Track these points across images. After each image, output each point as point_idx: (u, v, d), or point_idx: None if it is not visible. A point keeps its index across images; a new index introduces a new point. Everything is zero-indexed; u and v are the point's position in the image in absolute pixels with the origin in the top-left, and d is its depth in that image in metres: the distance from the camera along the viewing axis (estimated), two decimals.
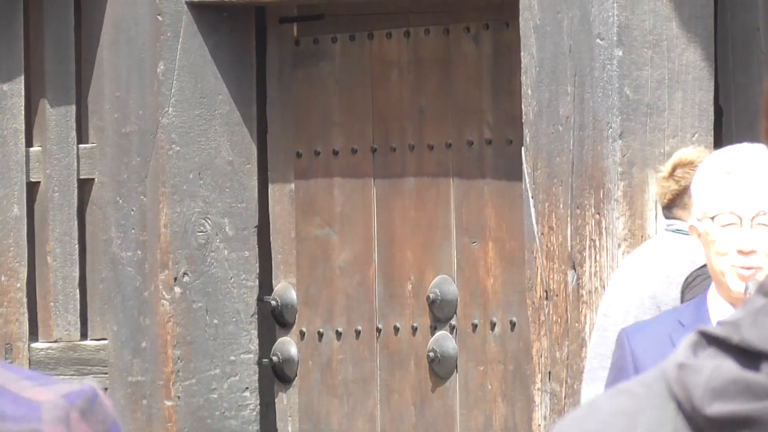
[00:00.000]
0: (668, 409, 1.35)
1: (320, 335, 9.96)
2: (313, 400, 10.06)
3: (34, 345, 9.86)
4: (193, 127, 9.93)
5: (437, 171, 9.67)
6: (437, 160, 9.67)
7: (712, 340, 1.31)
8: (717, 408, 1.28)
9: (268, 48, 10.14)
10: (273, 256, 10.10)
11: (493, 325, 9.43)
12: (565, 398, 8.48)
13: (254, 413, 10.02)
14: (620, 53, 8.83)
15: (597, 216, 8.64)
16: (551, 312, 8.89)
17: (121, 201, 10.00)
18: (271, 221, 10.07)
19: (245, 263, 10.04)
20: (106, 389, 9.82)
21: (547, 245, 8.94)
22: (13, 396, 1.83)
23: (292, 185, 10.08)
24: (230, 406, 9.97)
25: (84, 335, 9.98)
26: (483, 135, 9.45)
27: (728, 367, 1.30)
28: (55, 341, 9.95)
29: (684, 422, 1.32)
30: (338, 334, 9.90)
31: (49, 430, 1.80)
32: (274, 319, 10.06)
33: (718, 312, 5.29)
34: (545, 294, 8.97)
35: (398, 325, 9.70)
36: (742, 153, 5.50)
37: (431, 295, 9.46)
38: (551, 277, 8.90)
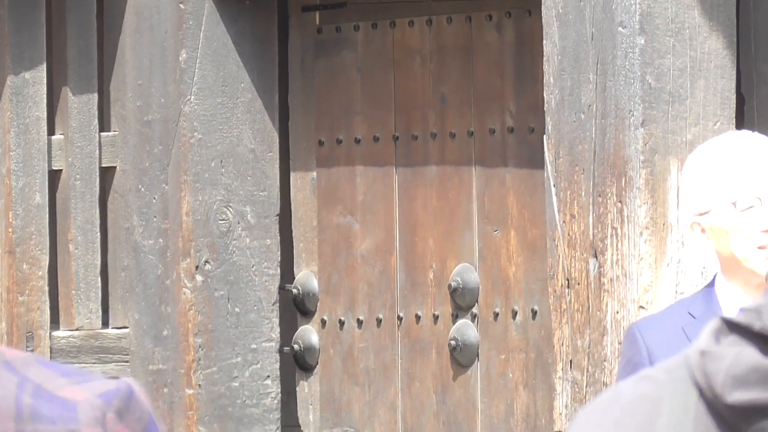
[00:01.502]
0: (690, 396, 1.39)
1: (341, 323, 9.92)
2: (335, 388, 9.99)
3: (56, 333, 9.85)
4: (215, 115, 9.92)
5: (459, 159, 9.60)
6: (459, 148, 9.59)
7: (733, 327, 1.34)
8: (738, 396, 1.32)
9: (290, 36, 10.10)
10: (294, 244, 10.08)
11: (514, 314, 9.38)
12: (586, 387, 8.35)
13: (275, 401, 9.99)
14: (642, 41, 8.80)
15: (619, 204, 8.53)
16: (573, 300, 8.76)
17: (143, 189, 9.95)
18: (292, 209, 10.04)
19: (267, 251, 10.01)
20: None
21: (568, 233, 8.83)
22: (49, 395, 1.85)
23: (314, 173, 10.05)
24: (251, 394, 9.95)
25: (105, 323, 9.96)
26: (505, 123, 9.40)
27: (749, 355, 1.34)
28: (77, 329, 9.90)
29: (705, 409, 1.36)
30: (359, 323, 9.84)
31: (86, 430, 1.84)
32: (295, 308, 10.01)
33: (728, 300, 5.32)
34: (567, 282, 8.84)
35: (419, 313, 9.64)
36: (739, 138, 5.62)
37: (453, 284, 9.39)
38: (573, 265, 8.77)
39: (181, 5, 9.76)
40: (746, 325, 1.36)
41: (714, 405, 1.38)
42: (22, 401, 1.86)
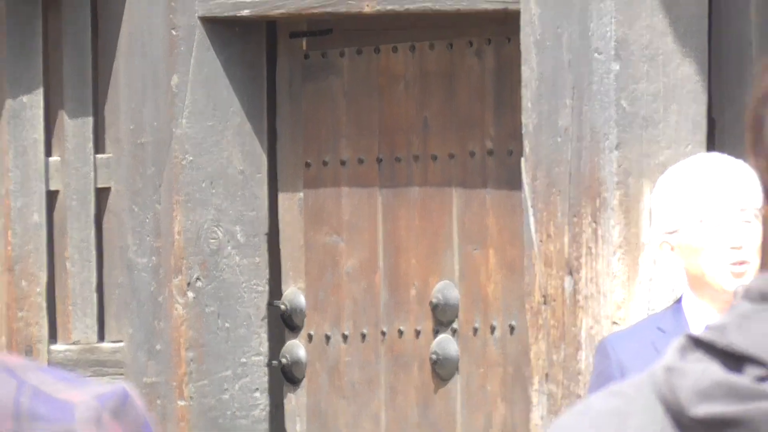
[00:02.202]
0: (657, 411, 1.41)
1: (327, 338, 9.99)
2: (321, 400, 10.06)
3: (54, 347, 9.95)
4: (205, 138, 10.01)
5: (441, 181, 9.67)
6: (441, 170, 9.67)
7: (699, 344, 1.38)
8: (703, 409, 1.34)
9: (278, 61, 10.16)
10: (282, 262, 10.13)
11: (493, 329, 9.46)
12: (561, 399, 8.55)
13: (264, 413, 10.04)
14: (617, 67, 8.91)
15: (594, 224, 8.69)
16: (549, 316, 8.93)
17: (136, 209, 10.02)
18: (280, 229, 10.10)
19: (256, 269, 10.04)
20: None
21: (545, 252, 8.99)
22: (47, 397, 1.90)
23: (301, 194, 10.09)
24: (241, 406, 10.00)
25: (101, 338, 10.07)
26: (485, 146, 9.47)
27: (714, 371, 1.36)
28: (74, 343, 10.01)
29: (672, 423, 1.38)
30: (345, 338, 9.92)
31: (82, 430, 1.86)
32: (283, 323, 10.10)
33: (696, 317, 5.54)
34: (543, 299, 8.99)
35: (402, 328, 9.69)
36: (707, 160, 5.86)
37: (434, 300, 9.50)
38: (549, 282, 8.93)
39: (173, 31, 9.85)
40: (711, 342, 1.41)
41: (679, 419, 1.42)
42: (21, 402, 1.91)
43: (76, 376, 2.18)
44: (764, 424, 1.35)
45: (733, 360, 1.35)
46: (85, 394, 1.89)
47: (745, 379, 1.33)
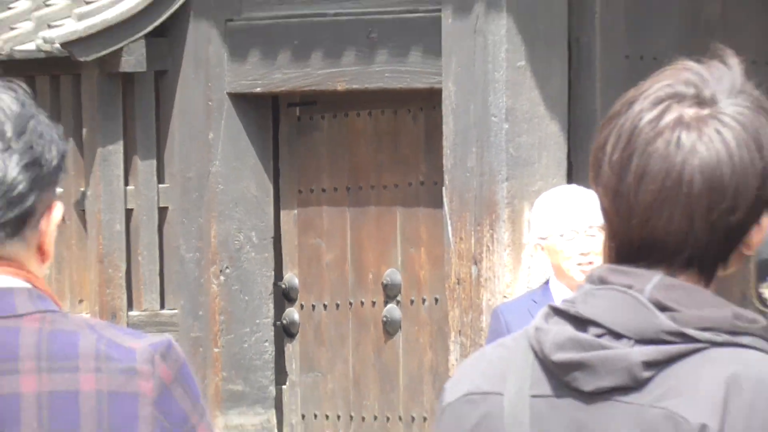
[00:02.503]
0: (529, 357, 1.48)
1: (313, 307, 10.27)
2: (308, 349, 10.34)
3: (130, 313, 10.25)
4: (231, 174, 10.23)
5: (389, 203, 9.95)
6: (389, 196, 9.94)
7: (557, 312, 1.44)
8: (559, 356, 1.42)
9: (280, 122, 10.40)
10: (283, 256, 10.39)
11: (424, 301, 9.77)
12: (469, 347, 8.77)
13: (271, 357, 10.32)
14: (507, 126, 9.17)
15: (491, 231, 9.00)
16: (461, 292, 9.23)
17: (185, 221, 10.32)
18: (282, 234, 10.37)
19: (265, 261, 10.32)
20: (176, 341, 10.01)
21: (458, 250, 9.30)
22: (118, 345, 1.89)
23: (296, 211, 10.33)
24: (256, 352, 10.28)
25: (162, 307, 10.35)
26: (418, 179, 9.76)
27: (567, 330, 1.43)
28: (143, 311, 10.31)
29: (539, 365, 1.47)
30: (324, 307, 10.20)
31: (141, 367, 1.88)
32: (283, 297, 10.37)
33: (558, 294, 5.62)
34: (457, 281, 9.30)
35: (363, 300, 10.02)
36: (566, 190, 6.07)
37: (384, 281, 9.84)
38: (461, 270, 9.21)
39: (209, 102, 10.15)
40: (565, 310, 1.46)
41: (544, 362, 1.49)
42: (100, 349, 1.89)
43: (137, 332, 2.20)
44: (599, 365, 1.45)
45: (580, 323, 1.42)
46: (142, 343, 1.91)
47: (588, 335, 1.42)
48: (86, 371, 1.90)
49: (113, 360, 1.90)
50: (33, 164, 1.90)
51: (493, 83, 9.27)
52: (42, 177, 1.89)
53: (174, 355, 1.95)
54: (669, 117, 1.53)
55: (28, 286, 1.92)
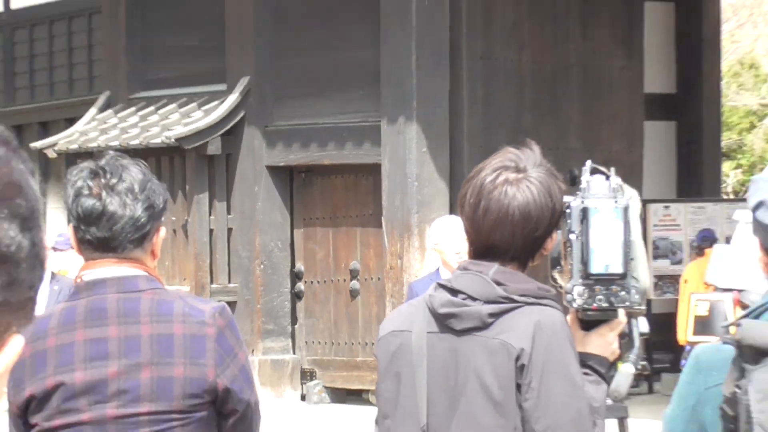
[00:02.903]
0: (426, 311, 1.75)
1: (312, 282, 11.27)
2: (309, 306, 11.33)
3: (212, 286, 11.14)
4: (267, 214, 11.15)
5: (353, 224, 10.93)
6: (353, 221, 10.91)
7: (441, 285, 1.69)
8: (442, 310, 1.69)
9: (294, 181, 11.34)
10: (295, 255, 11.31)
11: (372, 279, 10.64)
12: (395, 305, 8.83)
13: (288, 310, 11.29)
14: (416, 184, 10.05)
15: (408, 241, 9.98)
16: (393, 275, 10.19)
17: (242, 236, 11.29)
18: (294, 243, 11.32)
19: (285, 257, 11.29)
20: (234, 303, 11.02)
21: (391, 251, 10.20)
22: (194, 308, 2.20)
23: (302, 230, 11.30)
24: (280, 307, 11.30)
25: (229, 282, 11.30)
26: (369, 212, 10.63)
27: (446, 296, 1.73)
28: (219, 285, 11.16)
29: (431, 315, 1.76)
30: (319, 282, 11.20)
31: (207, 320, 2.19)
32: (295, 277, 11.31)
33: (444, 276, 5.17)
34: (390, 268, 10.21)
35: (339, 279, 10.97)
36: (450, 218, 5.90)
37: (351, 268, 10.86)
38: (393, 261, 10.12)
39: (255, 170, 11.07)
40: (445, 284, 1.67)
41: (434, 313, 1.72)
42: (185, 310, 2.21)
43: (207, 299, 2.34)
44: (464, 315, 1.71)
45: (453, 292, 1.69)
46: (208, 306, 2.21)
47: (458, 299, 1.66)
48: (177, 323, 2.20)
49: (192, 316, 2.18)
50: (149, 207, 2.24)
51: (408, 160, 10.14)
52: (154, 214, 2.24)
53: (225, 313, 2.22)
54: (501, 178, 1.82)
55: (145, 274, 2.24)
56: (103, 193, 2.25)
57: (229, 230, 11.37)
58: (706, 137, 12.35)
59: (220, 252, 11.29)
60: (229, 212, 11.30)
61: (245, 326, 10.71)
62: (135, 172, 2.28)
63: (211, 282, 11.16)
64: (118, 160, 2.31)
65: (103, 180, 2.25)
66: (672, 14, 12.34)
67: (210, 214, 11.19)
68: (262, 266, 11.19)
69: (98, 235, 2.28)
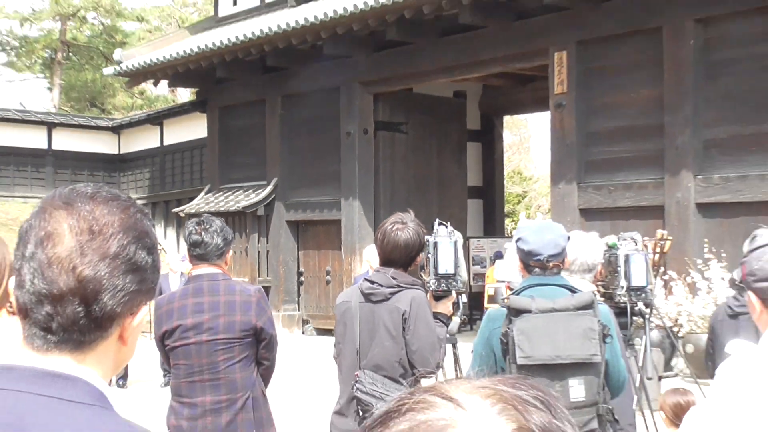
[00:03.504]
0: (359, 292, 2.86)
1: (307, 277, 15.34)
2: (306, 288, 15.30)
3: (258, 278, 14.92)
4: (285, 244, 15.27)
5: (328, 249, 14.63)
6: (328, 248, 14.65)
7: (366, 279, 2.54)
8: (366, 291, 2.69)
9: (299, 229, 15.35)
10: (300, 264, 15.39)
11: (338, 275, 13.98)
12: (345, 287, 9.82)
13: (296, 291, 15.35)
14: (359, 230, 12.73)
15: (358, 256, 12.70)
16: (346, 274, 13.19)
17: (273, 254, 15.39)
18: (299, 259, 15.50)
19: (294, 265, 15.36)
20: (269, 287, 14.20)
21: (346, 261, 13.15)
22: (246, 287, 2.92)
23: (303, 252, 15.43)
24: (292, 290, 15.28)
25: (268, 276, 15.26)
26: (335, 244, 14.08)
27: (367, 284, 2.78)
28: (262, 278, 15.02)
29: (361, 294, 2.87)
30: (311, 277, 15.22)
31: (252, 294, 2.91)
32: (299, 274, 15.36)
33: (365, 274, 5.09)
34: (345, 270, 13.50)
35: (321, 275, 14.85)
36: (373, 247, 4.46)
37: (327, 270, 14.88)
38: (347, 267, 13.22)
39: (281, 223, 14.93)
40: (367, 278, 2.32)
41: (363, 293, 2.58)
42: (242, 289, 3.03)
43: (254, 285, 3.24)
44: (377, 294, 2.70)
45: (372, 282, 2.69)
46: (253, 287, 3.00)
47: (374, 286, 2.61)
48: (237, 295, 3.21)
49: (244, 292, 3.26)
50: (224, 239, 3.26)
51: (357, 218, 13.76)
52: (227, 243, 3.24)
53: (261, 291, 3.25)
54: (394, 227, 2.65)
55: (221, 272, 3.11)
56: (202, 233, 3.38)
57: (267, 252, 15.96)
58: (497, 207, 17.72)
59: (262, 262, 15.82)
60: (267, 243, 15.87)
61: (274, 298, 15.16)
62: (217, 222, 3.46)
63: (258, 276, 15.66)
64: (209, 217, 3.50)
65: (202, 226, 3.42)
66: (480, 148, 17.74)
67: (258, 243, 15.80)
68: (282, 269, 15.80)
69: (199, 253, 3.44)
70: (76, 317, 1.15)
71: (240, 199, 16.00)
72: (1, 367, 1.14)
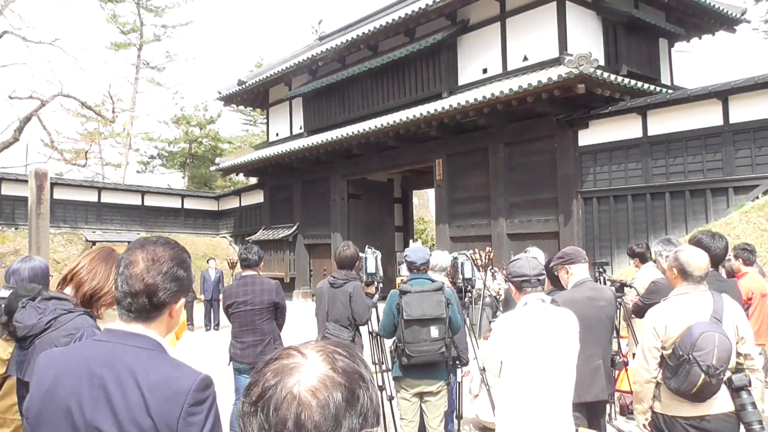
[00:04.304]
0: (328, 281, 4.07)
1: (315, 273, 18.88)
2: (314, 280, 19.03)
3: (290, 273, 18.11)
4: (302, 257, 18.68)
5: (326, 258, 17.52)
6: (327, 259, 17.25)
7: (332, 276, 3.68)
8: (331, 281, 3.95)
9: (311, 250, 18.53)
10: (312, 266, 18.82)
11: (328, 274, 15.47)
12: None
13: (308, 280, 18.77)
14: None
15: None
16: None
17: (298, 262, 18.69)
18: (311, 264, 19.03)
19: (307, 267, 18.94)
20: (294, 278, 17.64)
21: (330, 270, 14.34)
22: (270, 280, 4.59)
23: (311, 260, 18.73)
24: (306, 279, 18.45)
25: (294, 272, 18.73)
26: (329, 258, 16.67)
27: (332, 278, 4.22)
28: (291, 274, 17.87)
29: (329, 283, 4.45)
30: (318, 277, 18.47)
31: (274, 285, 4.73)
32: (310, 272, 18.79)
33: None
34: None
35: (320, 277, 17.92)
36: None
37: (324, 270, 17.83)
38: (317, 278, 16.41)
39: (301, 245, 18.80)
40: (333, 275, 3.44)
41: (331, 283, 3.82)
42: (269, 282, 4.58)
43: (274, 280, 4.94)
44: (337, 284, 4.18)
45: (334, 278, 3.67)
46: (274, 282, 4.80)
47: (336, 280, 3.63)
48: (266, 285, 5.37)
49: (271, 284, 5.48)
50: (259, 257, 5.45)
51: (338, 242, 16.55)
52: (260, 258, 5.43)
53: (278, 284, 5.41)
54: (341, 247, 4.25)
55: (257, 273, 5.17)
56: (247, 253, 5.20)
57: (294, 260, 20.68)
58: (410, 236, 22.74)
59: (292, 266, 20.33)
60: (293, 255, 20.72)
61: (298, 283, 19.29)
62: (255, 248, 5.15)
63: (289, 272, 20.72)
64: (251, 245, 5.10)
65: (247, 250, 5.24)
66: (401, 207, 23.26)
67: (289, 255, 20.67)
68: (302, 268, 20.66)
69: (245, 264, 5.26)
70: (144, 305, 1.87)
71: (279, 233, 22.21)
72: (104, 330, 1.87)
